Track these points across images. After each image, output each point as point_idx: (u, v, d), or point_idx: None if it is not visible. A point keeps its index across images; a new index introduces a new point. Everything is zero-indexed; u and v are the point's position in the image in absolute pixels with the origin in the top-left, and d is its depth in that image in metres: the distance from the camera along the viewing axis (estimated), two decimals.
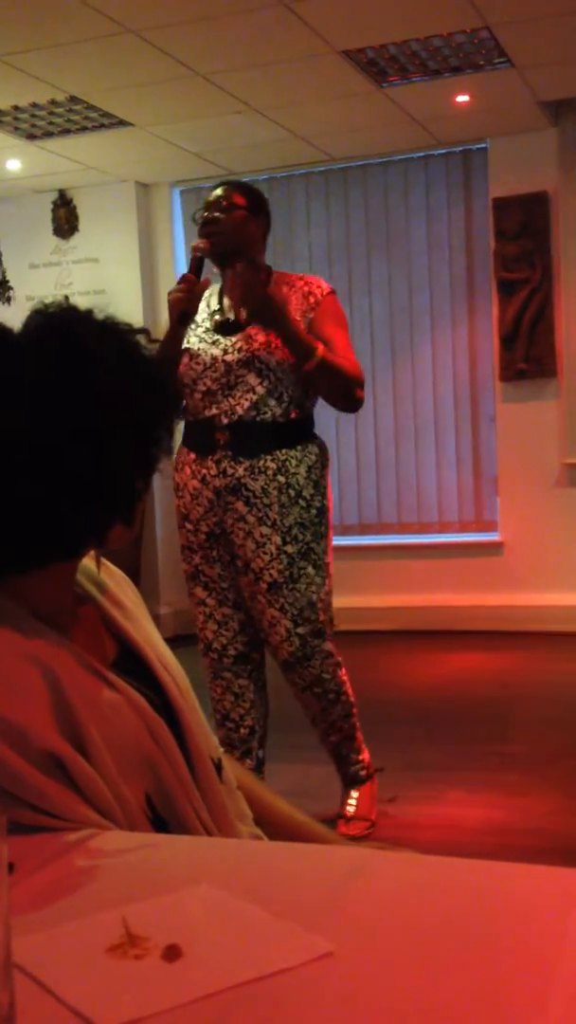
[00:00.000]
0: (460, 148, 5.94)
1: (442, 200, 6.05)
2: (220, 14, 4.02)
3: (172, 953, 0.71)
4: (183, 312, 2.83)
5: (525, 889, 0.78)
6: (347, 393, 2.90)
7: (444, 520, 6.18)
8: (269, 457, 2.86)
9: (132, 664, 1.15)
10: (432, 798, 3.36)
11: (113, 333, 1.11)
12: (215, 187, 3.00)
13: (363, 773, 3.07)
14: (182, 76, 4.64)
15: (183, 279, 2.84)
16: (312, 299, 2.92)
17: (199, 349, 2.90)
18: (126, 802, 1.03)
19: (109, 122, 5.23)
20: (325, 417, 6.33)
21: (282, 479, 2.86)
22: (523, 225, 5.77)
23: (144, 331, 1.16)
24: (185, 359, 2.91)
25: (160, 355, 2.85)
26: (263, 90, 4.89)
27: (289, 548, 2.86)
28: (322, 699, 2.95)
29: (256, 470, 2.85)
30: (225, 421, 2.86)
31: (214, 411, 2.88)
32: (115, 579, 1.24)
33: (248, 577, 2.89)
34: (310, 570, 2.90)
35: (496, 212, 5.81)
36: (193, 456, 2.94)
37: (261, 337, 2.85)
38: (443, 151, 5.96)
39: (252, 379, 2.85)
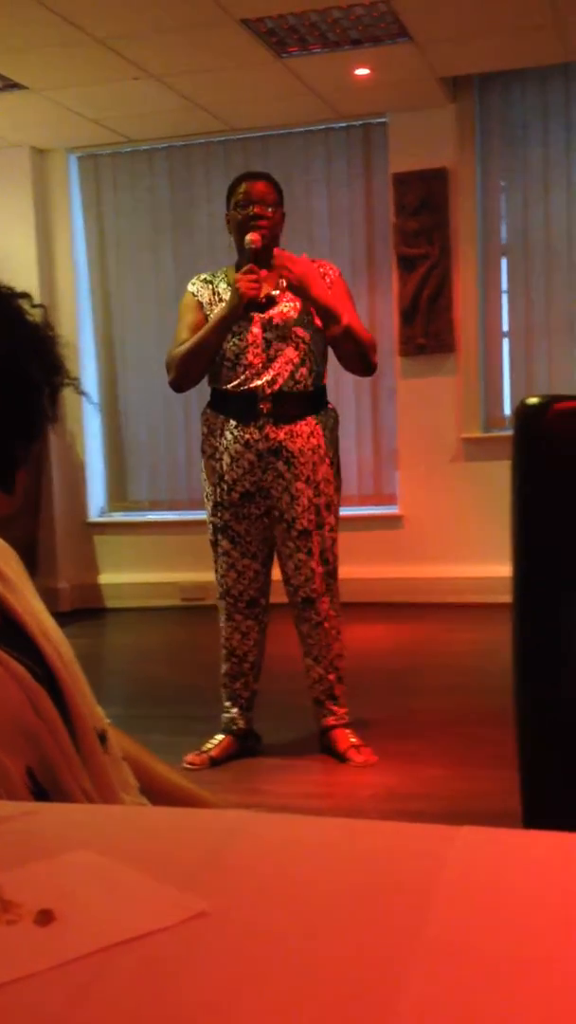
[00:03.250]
0: (360, 122, 5.96)
1: (343, 174, 6.07)
2: None
3: (45, 917, 0.70)
4: (253, 300, 3.25)
5: (397, 845, 0.80)
6: (364, 357, 3.39)
7: (344, 493, 6.21)
8: (303, 422, 3.34)
9: (13, 635, 1.14)
10: (330, 766, 3.41)
11: None
12: (250, 179, 3.41)
13: (347, 718, 3.48)
14: (78, 40, 4.55)
15: (251, 270, 3.25)
16: (328, 279, 3.37)
17: (239, 326, 3.29)
18: (7, 774, 1.02)
19: (3, 84, 5.10)
20: None
21: (314, 441, 3.36)
22: (423, 201, 5.83)
23: (26, 295, 1.13)
24: (228, 336, 3.29)
25: (214, 339, 3.28)
26: (161, 57, 4.82)
27: (318, 500, 3.38)
28: (329, 634, 3.43)
29: (294, 434, 3.33)
30: (268, 392, 3.29)
31: (256, 383, 3.30)
32: None
33: (282, 526, 3.38)
34: (331, 519, 3.44)
35: (396, 187, 5.85)
36: (235, 423, 3.34)
37: (293, 314, 3.31)
38: (343, 124, 5.97)
39: (290, 352, 3.31)
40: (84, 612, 6.31)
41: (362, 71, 5.20)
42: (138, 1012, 0.61)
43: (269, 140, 6.09)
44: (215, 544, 3.44)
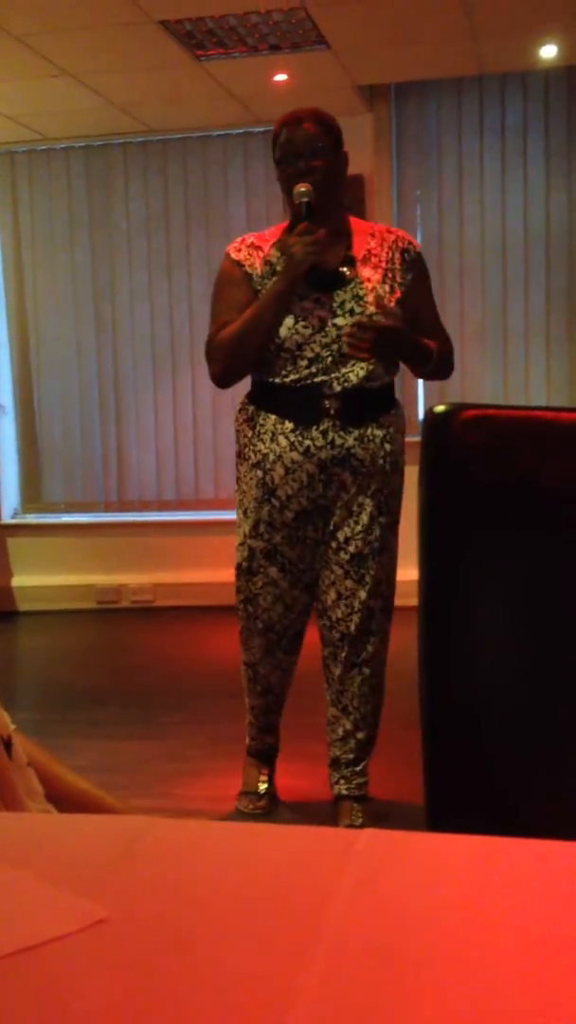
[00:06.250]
0: None
1: (261, 178, 6.09)
2: None
3: None
4: (313, 267, 2.64)
5: (299, 849, 0.81)
6: (447, 371, 2.89)
7: None
8: (375, 424, 2.74)
9: None
10: (233, 770, 3.40)
11: None
12: (292, 124, 2.71)
13: (367, 791, 2.90)
14: None
15: (308, 229, 2.63)
16: (408, 257, 2.79)
17: (301, 309, 2.68)
18: None
19: None
20: (146, 395, 6.24)
21: (388, 447, 2.76)
22: None
23: None
24: (288, 321, 2.68)
25: (268, 320, 2.67)
26: (79, 55, 4.78)
27: (383, 519, 2.77)
28: (367, 682, 2.84)
29: (365, 439, 2.72)
30: (337, 388, 2.68)
31: (322, 378, 2.69)
32: None
33: (330, 545, 2.78)
34: (393, 543, 2.82)
35: None
36: (291, 426, 2.72)
37: (371, 297, 2.70)
38: (262, 129, 5.98)
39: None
40: None
41: (280, 77, 5.22)
42: (34, 1022, 0.60)
43: (188, 143, 6.08)
44: (250, 571, 2.81)
